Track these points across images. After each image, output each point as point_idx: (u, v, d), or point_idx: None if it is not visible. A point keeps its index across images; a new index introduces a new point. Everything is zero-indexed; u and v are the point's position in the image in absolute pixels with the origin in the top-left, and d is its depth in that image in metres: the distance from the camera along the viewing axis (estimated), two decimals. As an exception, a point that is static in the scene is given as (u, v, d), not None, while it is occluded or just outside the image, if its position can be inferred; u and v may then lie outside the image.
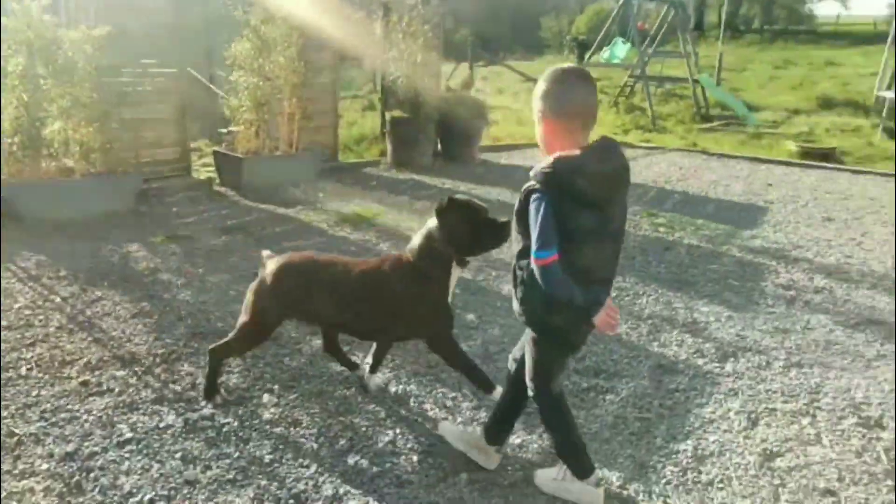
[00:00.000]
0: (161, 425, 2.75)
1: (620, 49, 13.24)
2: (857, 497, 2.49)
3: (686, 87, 14.17)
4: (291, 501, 2.36)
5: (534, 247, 2.03)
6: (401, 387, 3.12)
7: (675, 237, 5.66)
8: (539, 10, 32.89)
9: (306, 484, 2.45)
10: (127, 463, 2.51)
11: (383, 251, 5.01)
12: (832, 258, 5.19)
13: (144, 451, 2.58)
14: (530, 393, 2.35)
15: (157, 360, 3.28)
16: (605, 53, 13.37)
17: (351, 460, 2.59)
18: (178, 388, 3.04)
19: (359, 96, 14.84)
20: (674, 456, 2.69)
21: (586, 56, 14.65)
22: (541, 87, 2.12)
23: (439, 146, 8.66)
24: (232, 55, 6.73)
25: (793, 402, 3.15)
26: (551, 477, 2.43)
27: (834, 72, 19.50)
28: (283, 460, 2.58)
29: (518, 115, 13.79)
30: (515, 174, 7.91)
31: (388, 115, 8.70)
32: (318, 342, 3.54)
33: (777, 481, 2.57)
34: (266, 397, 2.99)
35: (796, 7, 29.36)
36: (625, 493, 2.47)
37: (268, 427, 2.78)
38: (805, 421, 2.99)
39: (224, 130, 8.09)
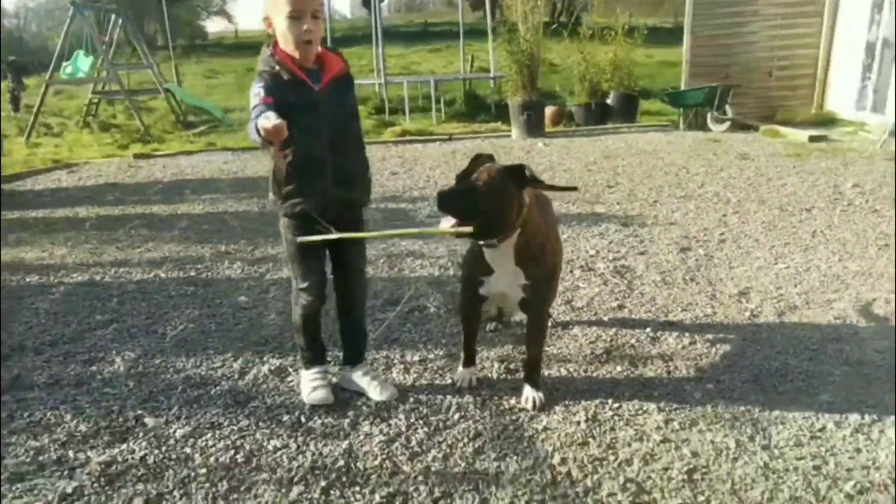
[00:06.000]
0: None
1: (84, 62, 12.33)
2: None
3: (157, 97, 14.11)
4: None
5: None
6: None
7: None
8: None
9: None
10: None
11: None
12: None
13: None
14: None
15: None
16: (66, 69, 12.26)
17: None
18: None
19: None
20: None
21: (51, 73, 12.93)
22: None
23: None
24: None
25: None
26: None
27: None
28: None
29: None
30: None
31: None
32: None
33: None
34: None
35: (193, 21, 31.22)
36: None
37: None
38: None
39: None
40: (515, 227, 2.40)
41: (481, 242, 2.46)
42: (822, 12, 10.50)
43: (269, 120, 2.14)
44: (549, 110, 11.25)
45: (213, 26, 36.10)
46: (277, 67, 2.36)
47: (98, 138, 12.43)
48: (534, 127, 10.19)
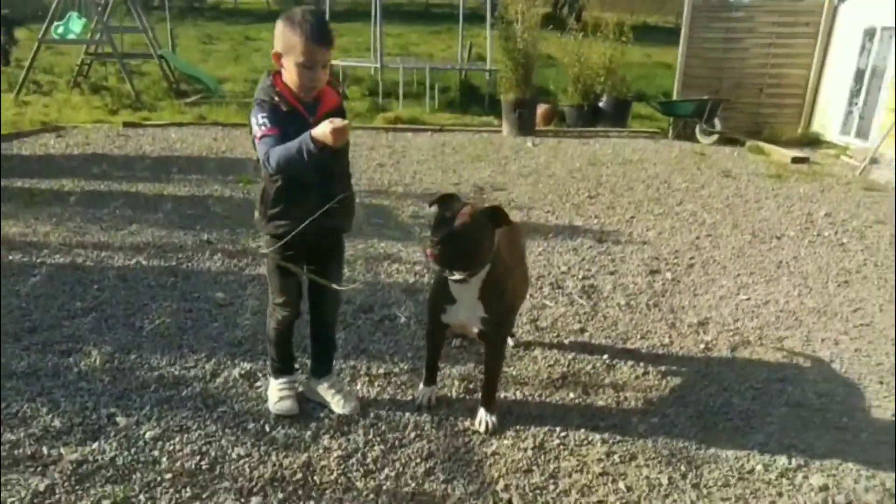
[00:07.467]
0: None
1: (76, 24, 12.23)
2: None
3: (150, 61, 14.04)
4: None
5: None
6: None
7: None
8: None
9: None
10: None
11: None
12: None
13: None
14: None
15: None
16: (58, 29, 12.16)
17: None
18: None
19: None
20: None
21: (43, 32, 12.86)
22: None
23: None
24: None
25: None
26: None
27: (255, 45, 21.60)
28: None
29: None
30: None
31: None
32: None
33: (543, 337, 3.70)
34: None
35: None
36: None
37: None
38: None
39: None
40: (485, 264, 2.55)
41: (453, 278, 2.60)
42: (817, 34, 10.62)
43: (335, 123, 2.23)
44: (540, 108, 11.34)
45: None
46: (277, 98, 2.44)
47: (88, 100, 12.37)
48: (525, 125, 10.30)
